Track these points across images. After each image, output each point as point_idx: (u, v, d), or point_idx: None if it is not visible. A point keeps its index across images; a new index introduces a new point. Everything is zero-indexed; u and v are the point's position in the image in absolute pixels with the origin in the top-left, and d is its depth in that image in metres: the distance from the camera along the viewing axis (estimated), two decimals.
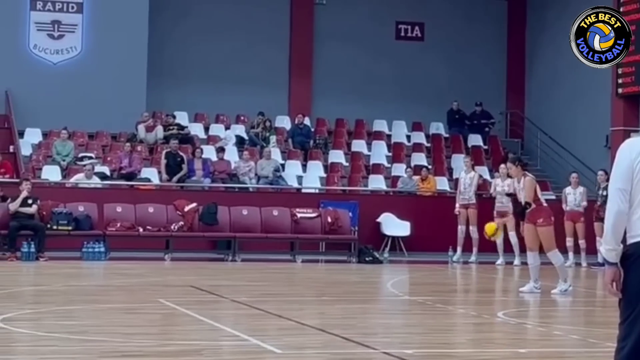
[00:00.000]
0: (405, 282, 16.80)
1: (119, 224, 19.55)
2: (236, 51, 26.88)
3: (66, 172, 22.19)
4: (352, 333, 9.23)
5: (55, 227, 18.94)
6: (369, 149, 26.00)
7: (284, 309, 11.06)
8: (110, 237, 19.23)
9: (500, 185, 20.01)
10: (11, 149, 22.87)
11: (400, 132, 27.03)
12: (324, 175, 24.22)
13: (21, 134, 23.69)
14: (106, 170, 22.38)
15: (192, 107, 26.11)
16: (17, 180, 20.09)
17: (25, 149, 23.19)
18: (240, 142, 24.91)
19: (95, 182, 21.39)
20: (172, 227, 19.84)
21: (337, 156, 25.22)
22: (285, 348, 8.28)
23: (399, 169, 24.59)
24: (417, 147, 26.36)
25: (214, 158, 23.30)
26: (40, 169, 22.35)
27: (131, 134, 24.27)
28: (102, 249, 18.90)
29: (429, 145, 26.64)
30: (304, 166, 24.59)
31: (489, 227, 14.14)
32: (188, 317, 10.44)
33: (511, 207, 19.87)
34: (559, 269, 13.60)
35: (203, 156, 22.84)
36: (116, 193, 21.02)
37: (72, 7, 25.45)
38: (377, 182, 24.23)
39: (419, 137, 26.90)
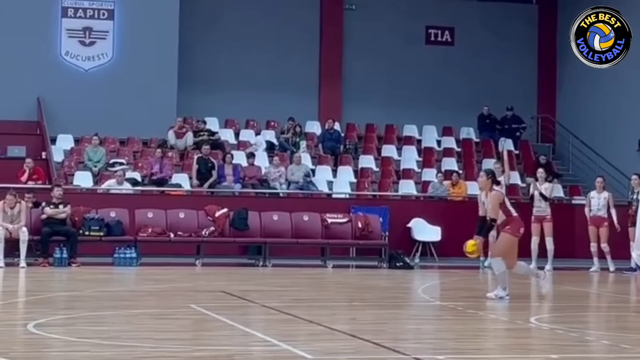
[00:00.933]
0: (436, 288, 16.75)
1: (150, 230, 19.63)
2: (266, 56, 26.93)
3: (98, 178, 22.31)
4: (383, 339, 9.20)
5: (87, 233, 19.04)
6: (399, 154, 25.96)
7: (315, 315, 11.05)
8: (142, 243, 19.31)
9: (538, 190, 19.89)
10: (43, 155, 23.02)
11: (430, 137, 26.96)
12: (354, 180, 24.20)
13: (53, 141, 23.86)
14: (137, 176, 22.47)
15: (222, 112, 26.19)
16: (49, 186, 20.22)
17: (58, 155, 23.34)
18: (270, 147, 24.96)
19: (127, 188, 21.49)
20: (203, 232, 19.90)
21: (367, 161, 25.19)
22: (316, 354, 8.26)
23: (430, 174, 24.53)
24: (448, 152, 26.28)
25: (245, 163, 23.35)
26: (72, 175, 22.48)
27: (162, 140, 24.36)
28: (134, 255, 18.98)
29: (459, 150, 26.56)
30: (334, 171, 24.59)
31: (470, 245, 13.66)
32: (219, 322, 10.45)
33: (549, 211, 19.80)
34: (499, 277, 13.33)
35: (233, 162, 22.89)
36: (147, 199, 21.10)
37: (103, 14, 25.60)
38: (407, 187, 24.18)
39: (450, 142, 26.83)
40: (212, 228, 20.01)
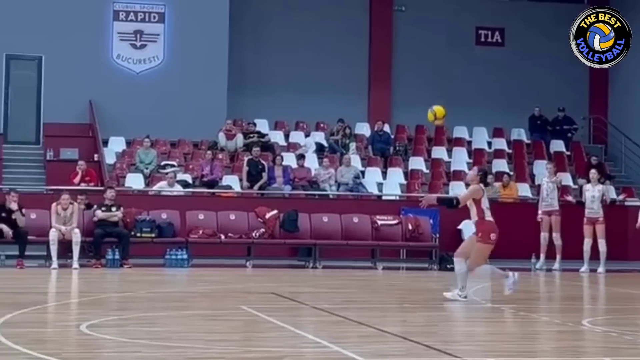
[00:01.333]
0: (487, 290, 16.61)
1: (201, 231, 19.72)
2: (316, 58, 26.98)
3: (149, 180, 22.47)
4: (434, 340, 9.17)
5: (138, 235, 19.17)
6: (449, 156, 25.86)
7: (365, 316, 11.03)
8: (193, 244, 19.41)
9: (590, 191, 19.71)
10: (95, 157, 23.25)
11: (481, 138, 26.82)
12: (404, 182, 24.14)
13: (105, 143, 24.08)
14: (188, 178, 22.60)
15: (272, 114, 26.27)
16: (102, 188, 20.40)
17: (109, 158, 23.54)
18: (320, 149, 24.98)
19: (178, 189, 21.62)
20: (254, 234, 19.95)
21: (417, 163, 25.12)
22: (367, 355, 8.25)
23: None
24: (499, 154, 26.13)
25: (294, 165, 23.39)
26: (124, 177, 22.66)
27: (212, 141, 24.49)
28: (185, 256, 19.08)
29: (510, 151, 26.39)
30: (384, 173, 24.55)
31: (439, 110, 13.49)
32: (269, 324, 10.47)
33: (602, 213, 19.59)
34: (460, 277, 13.16)
35: (283, 163, 22.94)
36: (198, 200, 21.21)
37: (154, 17, 25.79)
38: (457, 189, 24.03)
39: (500, 144, 26.67)
40: (263, 230, 20.05)
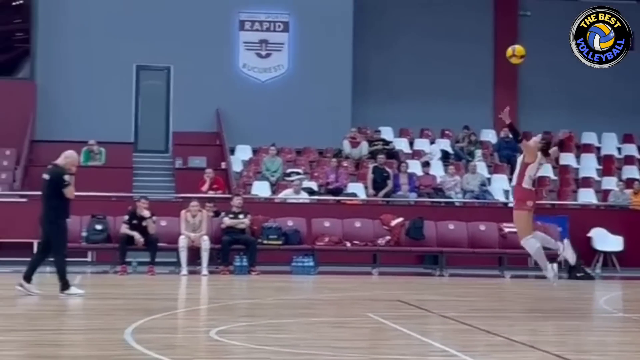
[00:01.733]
0: (619, 299, 16.28)
1: (327, 239, 19.80)
2: (440, 65, 26.85)
3: (275, 187, 22.68)
4: (565, 350, 9.00)
5: (265, 242, 19.34)
6: (578, 162, 25.39)
7: (493, 325, 10.89)
8: (319, 252, 19.50)
9: None
10: (223, 165, 23.59)
11: (610, 144, 26.27)
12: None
13: (232, 151, 24.42)
14: (314, 185, 22.73)
15: (396, 122, 26.23)
16: (229, 195, 20.68)
17: (236, 165, 23.85)
18: (445, 156, 24.83)
19: (303, 197, 21.76)
20: (379, 241, 19.93)
21: (545, 170, 24.70)
22: None
23: (610, 183, 23.90)
24: (629, 160, 25.55)
25: (420, 173, 23.31)
26: (251, 184, 22.93)
27: (337, 149, 24.58)
28: (311, 263, 19.18)
29: None
30: (511, 180, 24.22)
31: (519, 49, 13.35)
32: (396, 331, 10.44)
33: None
34: (537, 256, 12.74)
35: (408, 171, 22.88)
36: (323, 208, 21.29)
37: (279, 26, 26.06)
38: (587, 196, 23.61)
39: (631, 150, 26.08)
40: (388, 237, 20.02)
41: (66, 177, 13.40)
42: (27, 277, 13.58)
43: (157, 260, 18.58)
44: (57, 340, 9.42)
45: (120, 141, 24.49)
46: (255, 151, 24.78)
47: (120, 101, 25.29)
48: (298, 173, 23.18)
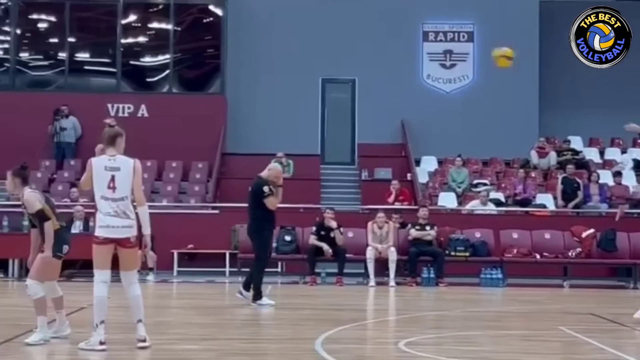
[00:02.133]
0: None
1: (515, 251, 19.51)
2: (630, 73, 26.02)
3: (461, 198, 22.52)
4: None
5: (452, 253, 19.23)
6: None
7: None
8: (507, 264, 19.23)
9: None
10: (408, 176, 23.61)
11: None
12: None
13: (417, 162, 24.42)
14: (501, 196, 22.45)
15: (586, 131, 25.63)
16: (415, 207, 20.66)
17: (422, 177, 23.82)
18: (637, 166, 24.10)
19: (491, 208, 21.52)
20: (570, 253, 19.50)
21: None
22: None
23: None
24: None
25: (611, 183, 22.70)
26: (437, 195, 22.84)
27: (524, 160, 24.23)
28: (500, 275, 18.93)
29: None
30: None
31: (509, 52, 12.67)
32: (589, 345, 10.19)
33: None
34: None
35: (599, 181, 22.32)
36: (511, 219, 20.99)
37: (463, 37, 25.93)
38: None
39: None
40: (579, 249, 19.55)
41: (265, 189, 13.69)
42: (246, 286, 13.96)
43: (345, 271, 18.74)
44: (249, 350, 9.61)
45: (308, 153, 24.84)
46: (440, 162, 24.70)
47: (307, 114, 25.70)
48: (485, 184, 22.95)
